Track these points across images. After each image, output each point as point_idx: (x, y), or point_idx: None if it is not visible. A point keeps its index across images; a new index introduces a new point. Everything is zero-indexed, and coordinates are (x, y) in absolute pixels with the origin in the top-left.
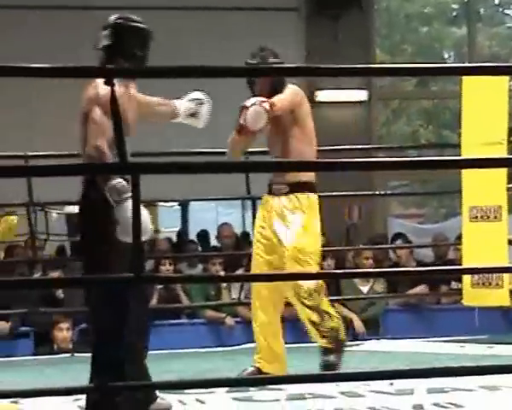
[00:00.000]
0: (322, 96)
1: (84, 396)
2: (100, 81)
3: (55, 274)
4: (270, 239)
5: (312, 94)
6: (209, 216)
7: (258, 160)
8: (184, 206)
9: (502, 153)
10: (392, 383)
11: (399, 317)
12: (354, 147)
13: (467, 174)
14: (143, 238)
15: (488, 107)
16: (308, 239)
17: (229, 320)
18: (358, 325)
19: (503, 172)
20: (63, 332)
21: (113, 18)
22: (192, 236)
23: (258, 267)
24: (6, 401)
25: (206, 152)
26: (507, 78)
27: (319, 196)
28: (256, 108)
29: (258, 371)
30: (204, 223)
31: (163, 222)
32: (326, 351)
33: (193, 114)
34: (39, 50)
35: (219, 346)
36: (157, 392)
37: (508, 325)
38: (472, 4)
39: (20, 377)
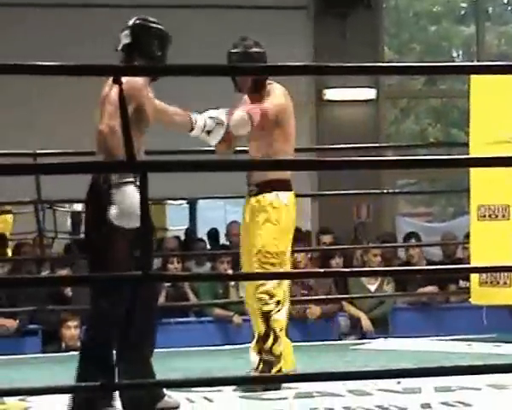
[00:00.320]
0: (330, 94)
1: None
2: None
3: (63, 272)
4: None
5: (320, 92)
6: (217, 214)
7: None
8: (192, 204)
9: (510, 151)
10: (399, 382)
11: (408, 316)
12: (362, 145)
13: (475, 173)
14: (131, 224)
15: (496, 105)
16: (271, 239)
17: (237, 318)
18: (366, 323)
19: None
20: (71, 330)
21: (132, 20)
22: (200, 234)
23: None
24: (14, 399)
25: (213, 150)
26: None
27: (327, 195)
28: (241, 114)
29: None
30: (212, 221)
31: (171, 220)
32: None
33: (209, 132)
34: (39, 49)
35: (227, 344)
36: (164, 390)
37: None
38: (480, 3)
39: (27, 375)
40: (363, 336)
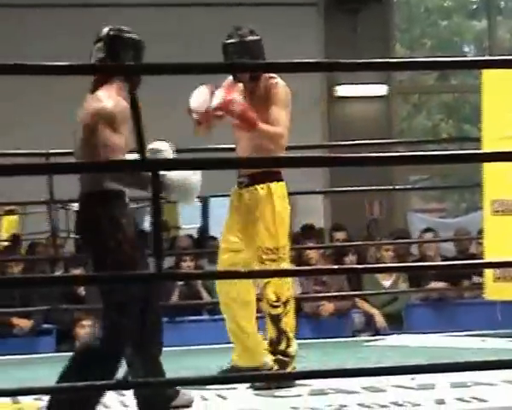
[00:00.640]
0: (342, 91)
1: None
2: (102, 94)
3: (76, 272)
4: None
5: (332, 89)
6: None
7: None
8: (205, 202)
9: None
10: (413, 378)
11: (421, 312)
12: (374, 142)
13: (488, 168)
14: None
15: (509, 100)
16: (271, 234)
17: None
18: (380, 320)
19: None
20: (85, 329)
21: (105, 30)
22: (213, 232)
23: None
24: (29, 399)
25: (223, 148)
26: None
27: (339, 192)
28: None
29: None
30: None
31: (184, 219)
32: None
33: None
34: (39, 49)
35: None
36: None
37: None
38: None
39: (42, 375)
40: (377, 332)
